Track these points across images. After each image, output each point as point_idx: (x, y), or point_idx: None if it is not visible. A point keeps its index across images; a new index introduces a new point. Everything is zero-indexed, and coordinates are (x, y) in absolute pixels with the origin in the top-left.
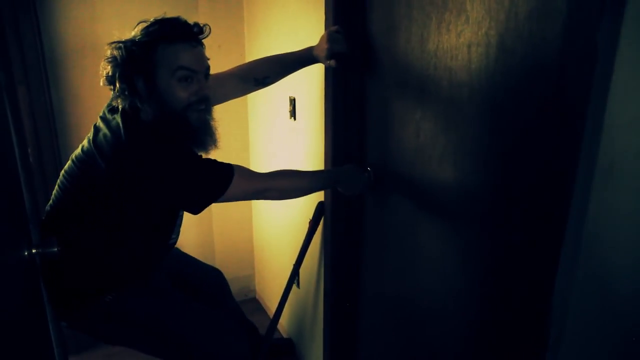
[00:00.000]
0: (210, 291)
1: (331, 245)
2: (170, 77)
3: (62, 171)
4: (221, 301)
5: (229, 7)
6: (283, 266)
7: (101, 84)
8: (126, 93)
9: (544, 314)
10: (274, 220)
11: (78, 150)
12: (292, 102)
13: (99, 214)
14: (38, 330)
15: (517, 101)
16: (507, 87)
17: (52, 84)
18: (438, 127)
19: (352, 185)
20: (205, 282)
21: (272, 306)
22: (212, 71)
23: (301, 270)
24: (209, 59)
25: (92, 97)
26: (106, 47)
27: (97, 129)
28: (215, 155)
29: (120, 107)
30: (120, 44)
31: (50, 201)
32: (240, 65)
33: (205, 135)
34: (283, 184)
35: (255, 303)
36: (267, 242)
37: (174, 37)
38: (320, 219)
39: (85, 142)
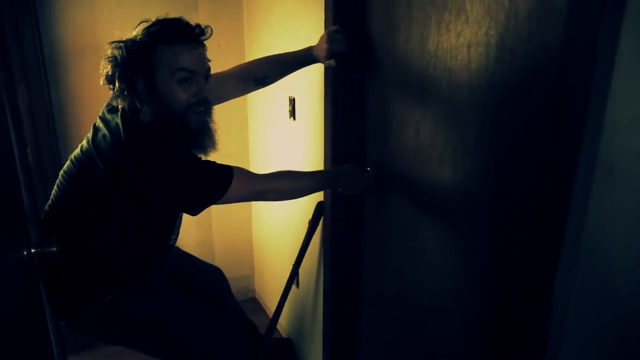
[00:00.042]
0: (211, 290)
1: (331, 245)
2: (170, 78)
3: (61, 171)
4: (221, 300)
5: (228, 6)
6: (282, 266)
7: (101, 83)
8: (125, 93)
9: (544, 314)
10: (273, 220)
11: (77, 151)
12: (292, 102)
13: (98, 214)
14: (37, 329)
15: (517, 101)
16: (506, 87)
17: (51, 83)
18: (438, 127)
19: (352, 185)
20: (206, 281)
21: (271, 306)
22: (212, 71)
23: (301, 270)
24: (210, 61)
25: (92, 97)
26: (106, 47)
27: (96, 129)
28: (214, 154)
29: (119, 107)
30: (121, 44)
31: (49, 201)
32: (239, 65)
33: (205, 137)
34: (282, 185)
35: (254, 303)
36: (267, 241)
37: (175, 38)
38: (320, 219)
39: (84, 142)
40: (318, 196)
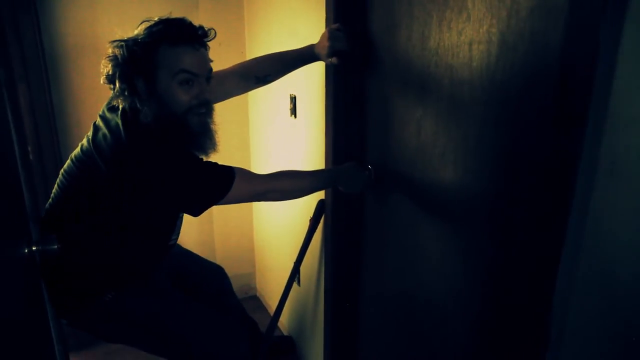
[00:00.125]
0: (211, 289)
1: (331, 244)
2: (171, 80)
3: (62, 170)
4: (222, 299)
5: (229, 4)
6: (283, 264)
7: (101, 82)
8: (126, 93)
9: (545, 313)
10: (274, 218)
11: (77, 150)
12: (293, 99)
13: (98, 214)
14: (39, 327)
15: (519, 99)
16: (508, 85)
17: (52, 82)
18: (439, 125)
19: (353, 184)
20: (207, 280)
21: (272, 304)
22: (213, 69)
23: (302, 268)
24: (212, 61)
25: (93, 95)
26: (107, 45)
27: (96, 128)
28: (215, 153)
29: (119, 106)
30: (122, 43)
31: (50, 200)
32: (240, 63)
33: (205, 138)
34: (284, 185)
35: (255, 301)
36: (268, 240)
37: (178, 39)
38: (321, 217)
39: (84, 142)
40: (319, 194)
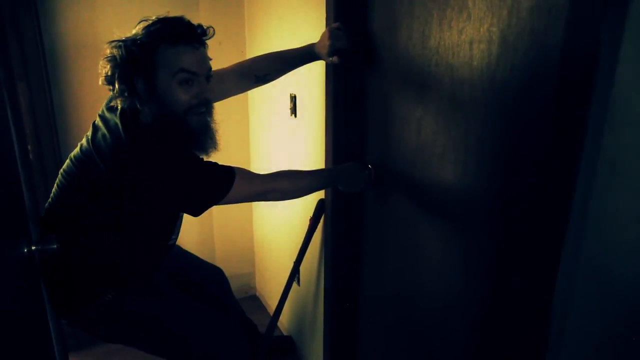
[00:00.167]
0: (210, 290)
1: (331, 243)
2: (171, 79)
3: (61, 170)
4: (221, 300)
5: (229, 3)
6: (283, 264)
7: (100, 83)
8: (125, 94)
9: (545, 313)
10: (274, 217)
11: (77, 150)
12: (293, 99)
13: (98, 214)
14: (38, 327)
15: (519, 99)
16: (508, 84)
17: (52, 81)
18: (439, 124)
19: (353, 184)
20: (206, 280)
21: (272, 304)
22: (213, 68)
23: (301, 268)
24: (211, 60)
25: (93, 95)
26: (106, 46)
27: (96, 128)
28: (215, 152)
29: (119, 107)
30: (120, 43)
31: (50, 199)
32: (240, 62)
33: (206, 137)
34: (284, 185)
35: (255, 301)
36: (268, 239)
37: (176, 39)
38: (321, 217)
39: (83, 142)
40: (319, 194)
